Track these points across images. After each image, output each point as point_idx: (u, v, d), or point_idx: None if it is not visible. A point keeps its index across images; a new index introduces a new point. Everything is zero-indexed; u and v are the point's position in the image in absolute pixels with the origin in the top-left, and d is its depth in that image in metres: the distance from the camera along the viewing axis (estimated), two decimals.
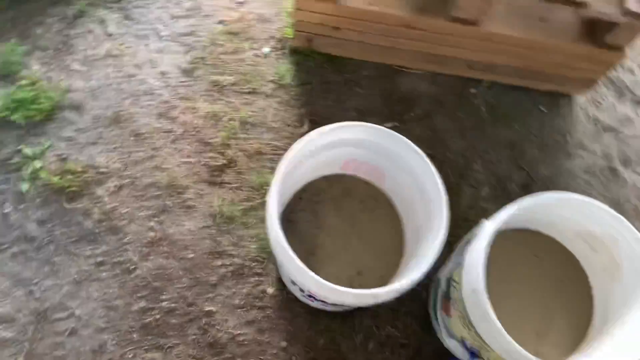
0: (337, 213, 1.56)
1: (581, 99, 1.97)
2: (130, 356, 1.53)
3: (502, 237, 1.45)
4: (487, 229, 1.27)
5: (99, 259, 1.63)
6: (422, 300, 1.67)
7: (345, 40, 1.83)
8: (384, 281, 1.47)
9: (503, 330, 1.14)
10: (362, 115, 1.85)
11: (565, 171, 1.86)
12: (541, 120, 1.93)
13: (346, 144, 1.42)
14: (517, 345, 1.13)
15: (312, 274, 1.14)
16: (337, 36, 1.81)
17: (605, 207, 1.28)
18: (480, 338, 1.28)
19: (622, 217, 1.27)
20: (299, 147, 1.27)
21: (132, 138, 1.78)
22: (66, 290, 1.59)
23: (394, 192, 1.54)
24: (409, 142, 1.33)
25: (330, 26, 1.77)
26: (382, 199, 1.57)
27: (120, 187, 1.71)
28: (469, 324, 1.30)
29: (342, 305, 1.47)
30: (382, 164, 1.47)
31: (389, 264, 1.54)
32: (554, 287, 1.46)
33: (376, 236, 1.55)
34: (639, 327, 1.26)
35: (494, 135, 1.91)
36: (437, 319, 1.56)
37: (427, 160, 1.31)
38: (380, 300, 1.23)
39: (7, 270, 1.60)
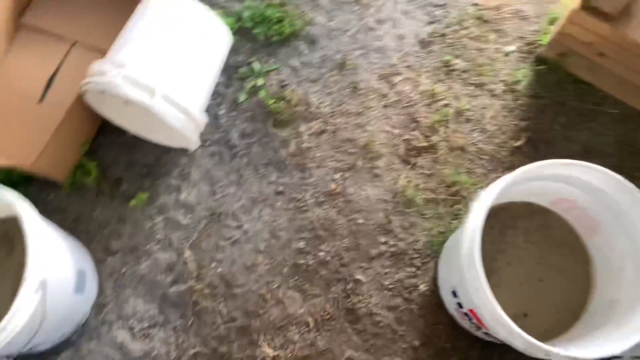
0: (527, 246, 1.45)
1: None
2: (274, 286, 1.61)
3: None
4: None
5: (280, 188, 1.70)
6: None
7: (605, 69, 1.63)
8: (547, 335, 1.35)
9: None
10: (586, 152, 1.66)
11: None
12: None
13: (570, 182, 1.29)
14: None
15: (501, 312, 1.07)
16: (597, 61, 1.62)
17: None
18: None
19: None
20: (524, 170, 1.17)
21: (348, 89, 1.79)
22: (242, 203, 1.69)
23: (599, 250, 1.38)
24: None
25: (596, 49, 1.58)
26: (580, 252, 1.42)
27: (321, 131, 1.74)
28: None
29: (490, 336, 1.38)
30: (600, 217, 1.32)
31: (560, 321, 1.40)
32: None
33: (558, 287, 1.42)
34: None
35: None
36: None
37: None
38: (550, 358, 1.12)
39: (202, 164, 1.73)
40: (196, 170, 1.73)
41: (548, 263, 1.42)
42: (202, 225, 1.68)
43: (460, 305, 1.37)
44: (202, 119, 1.60)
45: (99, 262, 1.64)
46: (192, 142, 1.63)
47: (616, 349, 1.08)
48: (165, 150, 1.75)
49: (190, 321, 1.58)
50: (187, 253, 1.65)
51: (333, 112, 1.76)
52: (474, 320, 1.33)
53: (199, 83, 1.61)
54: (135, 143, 1.76)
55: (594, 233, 1.37)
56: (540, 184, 1.34)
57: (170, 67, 1.52)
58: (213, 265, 1.64)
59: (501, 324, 1.10)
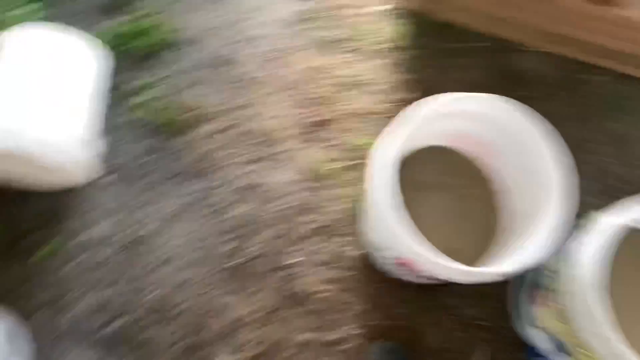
0: (438, 186, 1.51)
1: None
2: (213, 295, 1.57)
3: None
4: (604, 224, 1.19)
5: (193, 196, 1.66)
6: (504, 285, 1.61)
7: (470, 9, 1.74)
8: (470, 262, 1.42)
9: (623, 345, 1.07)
10: (476, 87, 1.75)
11: None
12: None
13: (460, 116, 1.36)
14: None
15: (431, 246, 1.11)
16: (460, 3, 1.72)
17: None
18: (579, 337, 1.21)
19: None
20: (425, 110, 1.22)
21: (236, 83, 1.78)
22: (159, 223, 1.64)
23: (499, 172, 1.47)
24: (536, 119, 1.25)
25: None
26: (486, 175, 1.51)
27: (220, 131, 1.72)
28: (566, 319, 1.24)
29: (430, 278, 1.43)
30: (494, 142, 1.40)
31: (478, 246, 1.48)
32: None
33: (469, 215, 1.50)
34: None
35: (605, 127, 1.78)
36: (517, 306, 1.50)
37: (551, 141, 1.24)
38: (483, 279, 1.18)
39: (107, 194, 1.66)
40: (101, 202, 1.65)
41: (459, 196, 1.50)
42: (122, 257, 1.61)
43: (391, 259, 1.41)
44: (90, 149, 1.53)
45: (23, 324, 1.53)
46: (85, 175, 1.55)
47: (526, 259, 1.16)
48: (62, 193, 1.65)
49: (137, 355, 1.51)
50: (113, 289, 1.57)
51: (227, 109, 1.75)
52: (408, 269, 1.37)
53: (77, 113, 1.53)
54: (25, 196, 1.64)
55: (490, 157, 1.46)
56: (443, 123, 1.40)
57: (36, 105, 1.43)
58: (143, 293, 1.57)
59: (436, 265, 1.15)
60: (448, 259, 1.15)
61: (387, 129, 1.23)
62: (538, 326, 1.41)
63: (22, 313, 1.54)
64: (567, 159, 1.23)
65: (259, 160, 1.69)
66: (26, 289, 1.56)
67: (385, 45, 1.81)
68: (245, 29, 1.84)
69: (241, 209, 1.64)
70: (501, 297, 1.59)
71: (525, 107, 1.27)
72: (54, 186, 1.63)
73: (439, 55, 1.82)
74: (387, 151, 1.21)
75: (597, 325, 1.11)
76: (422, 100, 1.25)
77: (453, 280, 1.24)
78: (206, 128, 1.72)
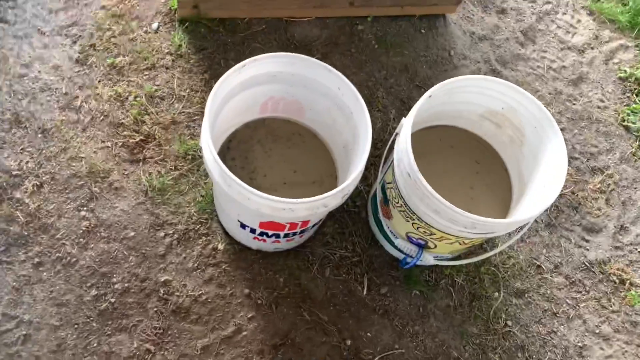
0: (268, 155, 1.62)
1: (454, 17, 2.17)
2: (94, 345, 1.50)
3: (419, 135, 1.59)
4: (407, 122, 1.39)
5: (36, 260, 1.56)
6: (363, 221, 1.78)
7: (230, 2, 1.88)
8: None
9: (441, 198, 1.27)
10: None
11: None
12: (425, 41, 2.11)
13: (262, 81, 1.48)
14: (456, 208, 1.26)
15: (261, 193, 1.20)
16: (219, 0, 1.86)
17: (502, 80, 1.45)
18: (423, 221, 1.40)
19: (517, 86, 1.44)
20: (220, 83, 1.31)
21: (39, 136, 1.71)
22: (8, 300, 1.51)
23: (315, 121, 1.63)
24: (323, 63, 1.41)
25: None
26: (305, 132, 1.65)
27: (39, 186, 1.64)
28: (410, 213, 1.42)
29: (293, 236, 1.53)
30: (299, 96, 1.55)
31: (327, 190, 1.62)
32: (472, 170, 1.63)
33: (309, 166, 1.63)
34: (544, 179, 1.45)
35: (388, 63, 2.05)
36: (381, 229, 1.67)
37: (343, 76, 1.41)
38: (330, 205, 1.31)
39: None
40: None
41: (290, 156, 1.63)
42: None
43: (252, 231, 1.48)
44: None
45: None
46: None
47: (353, 173, 1.31)
48: None
49: None
50: None
51: (38, 163, 1.67)
52: (272, 232, 1.45)
53: None
54: None
55: (303, 112, 1.61)
56: (247, 94, 1.50)
57: None
58: None
59: (283, 204, 1.24)
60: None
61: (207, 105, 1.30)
62: (399, 235, 1.59)
63: None
64: (361, 99, 1.39)
65: (92, 199, 1.65)
66: None
67: (179, 53, 1.88)
68: (34, 81, 1.77)
69: (93, 251, 1.59)
70: (358, 231, 1.76)
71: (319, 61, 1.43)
72: None
73: (227, 49, 1.94)
74: (205, 133, 1.28)
75: (426, 200, 1.30)
76: (223, 75, 1.34)
77: (300, 218, 1.35)
78: (25, 187, 1.62)
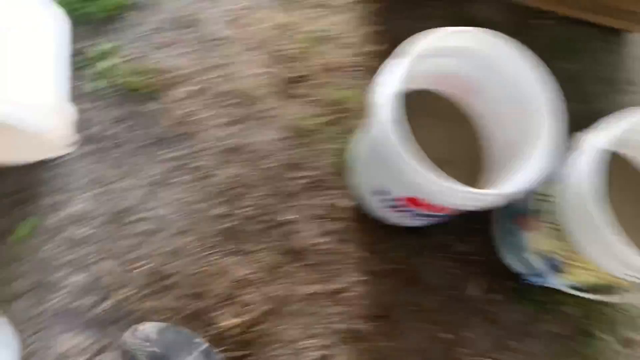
0: (426, 129, 1.56)
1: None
2: (212, 259, 1.53)
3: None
4: (590, 143, 1.30)
5: (176, 163, 1.60)
6: (488, 221, 1.71)
7: None
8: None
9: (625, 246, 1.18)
10: None
11: (619, 106, 1.91)
12: (606, 56, 1.96)
13: (449, 54, 1.41)
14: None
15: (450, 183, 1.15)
16: None
17: None
18: (576, 250, 1.32)
19: None
20: (417, 47, 1.25)
21: (203, 43, 1.72)
22: (142, 192, 1.56)
23: (483, 107, 1.55)
24: (524, 50, 1.33)
25: None
26: (465, 115, 1.58)
27: (194, 93, 1.66)
28: (562, 235, 1.34)
29: (427, 217, 1.49)
30: (479, 78, 1.47)
31: (468, 182, 1.56)
32: None
33: (457, 155, 1.56)
34: None
35: (555, 68, 1.92)
36: (503, 237, 1.60)
37: (538, 70, 1.32)
38: (487, 203, 1.25)
39: (82, 167, 1.55)
40: (77, 176, 1.54)
41: (448, 137, 1.56)
42: (107, 231, 1.52)
43: (389, 202, 1.44)
44: (63, 116, 1.42)
45: (6, 313, 1.40)
46: (61, 145, 1.44)
47: (523, 182, 1.24)
48: (37, 168, 1.52)
49: None
50: (101, 265, 1.48)
51: (197, 70, 1.68)
52: (411, 208, 1.42)
53: (43, 78, 1.41)
54: None
55: (473, 94, 1.53)
56: (428, 63, 1.44)
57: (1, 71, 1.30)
58: (134, 266, 1.50)
59: (453, 192, 1.19)
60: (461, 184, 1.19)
61: (386, 68, 1.25)
62: (529, 251, 1.52)
63: (3, 301, 1.42)
64: (553, 86, 1.31)
65: (239, 120, 1.66)
66: (5, 273, 1.44)
67: (353, 2, 1.83)
68: None
69: (230, 170, 1.60)
70: (487, 232, 1.69)
71: (511, 39, 1.34)
72: (29, 159, 1.50)
73: (400, 8, 1.87)
74: (387, 88, 1.23)
75: (597, 232, 1.21)
76: (415, 36, 1.28)
77: (463, 208, 1.31)
78: (179, 91, 1.65)
